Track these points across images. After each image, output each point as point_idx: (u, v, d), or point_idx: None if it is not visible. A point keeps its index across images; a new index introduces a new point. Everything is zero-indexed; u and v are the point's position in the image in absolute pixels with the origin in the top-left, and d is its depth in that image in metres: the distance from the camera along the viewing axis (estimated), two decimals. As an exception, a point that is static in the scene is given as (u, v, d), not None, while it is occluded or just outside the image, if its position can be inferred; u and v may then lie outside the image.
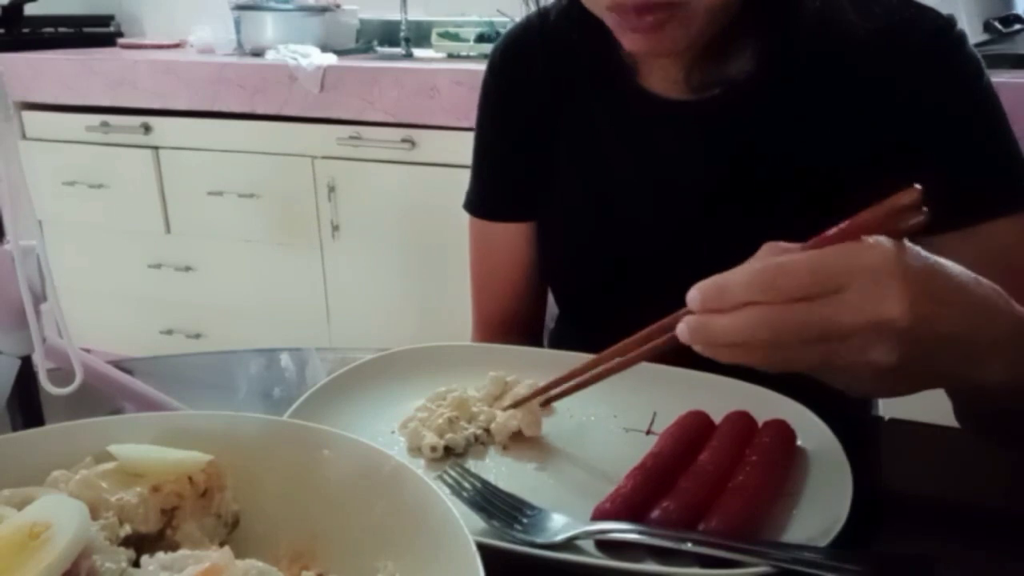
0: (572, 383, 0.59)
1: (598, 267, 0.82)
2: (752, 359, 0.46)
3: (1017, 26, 1.69)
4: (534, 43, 0.84)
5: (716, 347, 0.46)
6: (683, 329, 0.46)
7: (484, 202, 0.90)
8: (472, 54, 2.13)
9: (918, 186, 0.44)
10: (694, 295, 0.46)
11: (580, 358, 0.70)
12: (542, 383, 0.63)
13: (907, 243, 0.45)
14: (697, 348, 0.47)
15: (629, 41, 0.67)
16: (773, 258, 0.45)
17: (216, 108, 2.05)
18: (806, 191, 0.72)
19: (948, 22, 0.71)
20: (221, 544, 0.43)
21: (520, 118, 0.85)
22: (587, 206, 0.81)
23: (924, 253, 0.46)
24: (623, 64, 0.77)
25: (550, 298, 0.92)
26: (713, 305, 0.45)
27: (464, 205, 0.91)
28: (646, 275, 0.80)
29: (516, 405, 0.61)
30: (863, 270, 0.43)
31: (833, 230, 0.46)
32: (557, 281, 0.89)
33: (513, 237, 0.88)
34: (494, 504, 0.49)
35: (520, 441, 0.60)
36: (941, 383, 0.52)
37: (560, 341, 0.91)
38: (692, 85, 0.73)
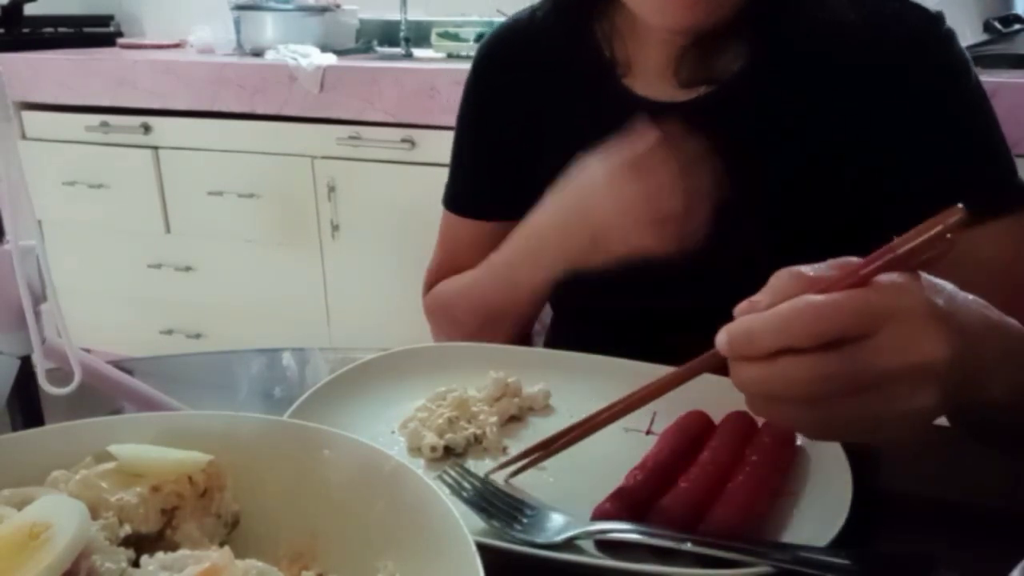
0: (576, 432, 0.54)
1: (591, 273, 0.81)
2: (794, 417, 0.44)
3: (1017, 26, 1.69)
4: (520, 43, 0.84)
5: (752, 398, 0.45)
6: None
7: (467, 198, 0.89)
8: (472, 54, 2.12)
9: (961, 205, 0.42)
10: (722, 339, 0.44)
11: (580, 359, 0.70)
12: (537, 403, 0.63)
13: (924, 276, 0.44)
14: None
15: (660, 8, 0.66)
16: (804, 298, 0.42)
17: (216, 108, 2.05)
18: (796, 186, 0.72)
19: (937, 17, 0.70)
20: (221, 544, 0.43)
21: (504, 118, 0.84)
22: None
23: (940, 283, 0.44)
24: (608, 64, 0.77)
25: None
26: (743, 353, 0.43)
27: (443, 201, 0.92)
28: (638, 274, 0.79)
29: (520, 469, 0.55)
30: (901, 312, 0.41)
31: (876, 260, 0.43)
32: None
33: (494, 235, 0.85)
34: (494, 504, 0.49)
35: (520, 440, 0.60)
36: (951, 410, 0.52)
37: (556, 343, 0.91)
38: (681, 80, 0.73)
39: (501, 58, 0.86)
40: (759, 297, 0.44)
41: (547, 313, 0.93)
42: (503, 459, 0.57)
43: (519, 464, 0.55)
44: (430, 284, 0.93)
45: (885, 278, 0.42)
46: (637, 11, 0.68)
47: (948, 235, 0.42)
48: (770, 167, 0.73)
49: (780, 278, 0.45)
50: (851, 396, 0.42)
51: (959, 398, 0.45)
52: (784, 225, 0.73)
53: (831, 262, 0.45)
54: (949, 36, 0.70)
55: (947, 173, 0.70)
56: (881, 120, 0.70)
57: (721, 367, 0.46)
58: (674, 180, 0.65)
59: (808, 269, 0.44)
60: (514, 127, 0.83)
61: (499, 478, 0.54)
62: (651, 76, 0.75)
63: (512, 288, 0.80)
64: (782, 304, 0.42)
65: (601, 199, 0.68)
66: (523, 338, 0.90)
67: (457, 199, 0.91)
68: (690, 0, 0.65)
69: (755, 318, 0.43)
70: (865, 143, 0.71)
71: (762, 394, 0.44)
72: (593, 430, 0.54)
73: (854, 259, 0.44)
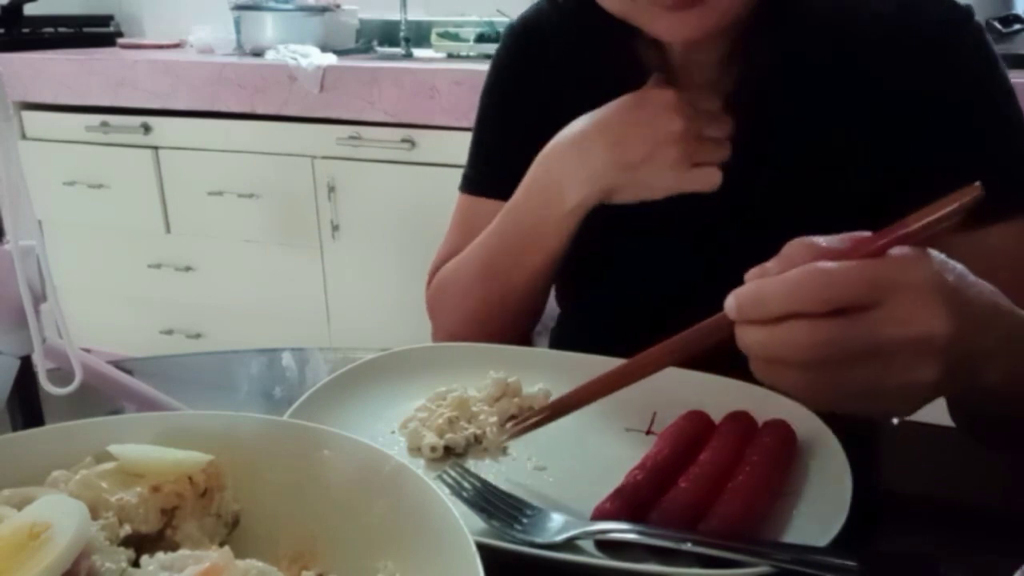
0: (587, 394, 0.55)
1: (599, 266, 0.81)
2: (796, 381, 0.44)
3: (1017, 26, 1.69)
4: (546, 30, 0.84)
5: (755, 361, 0.45)
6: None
7: (492, 175, 0.86)
8: (472, 54, 2.13)
9: (978, 184, 0.42)
10: (731, 303, 0.44)
11: (580, 359, 0.70)
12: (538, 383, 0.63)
13: (934, 252, 0.44)
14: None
15: (662, 26, 0.64)
16: (815, 264, 0.43)
17: (216, 108, 2.05)
18: (815, 183, 0.72)
19: (963, 13, 0.69)
20: (221, 544, 0.43)
21: (529, 103, 0.84)
22: None
23: (951, 263, 0.45)
24: (638, 64, 0.75)
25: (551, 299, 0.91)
26: (751, 316, 0.43)
27: (462, 186, 0.89)
28: (649, 275, 0.79)
29: (523, 430, 0.57)
30: (907, 284, 0.42)
31: (891, 234, 0.43)
32: (557, 278, 0.87)
33: None
34: (494, 504, 0.49)
35: (520, 440, 0.60)
36: (950, 391, 0.53)
37: (561, 341, 0.91)
38: (723, 88, 0.72)
39: (531, 42, 0.85)
40: (770, 264, 0.45)
41: (549, 314, 0.93)
42: (503, 459, 0.57)
43: (523, 425, 0.56)
44: (436, 271, 0.90)
45: (896, 251, 0.43)
46: (647, 30, 0.67)
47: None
48: (788, 165, 0.73)
49: (792, 247, 0.45)
50: (851, 363, 0.42)
51: (958, 377, 0.45)
52: (799, 219, 0.72)
53: (844, 235, 0.45)
54: (979, 30, 0.69)
55: (969, 170, 0.69)
56: (904, 116, 0.69)
57: (727, 334, 0.46)
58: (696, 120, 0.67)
59: (821, 240, 0.45)
60: (542, 105, 0.82)
61: (501, 439, 0.57)
62: (685, 85, 0.73)
63: (540, 216, 0.74)
64: (792, 270, 0.43)
65: (619, 123, 0.69)
66: (523, 338, 0.90)
67: (481, 179, 0.88)
68: (694, 16, 0.62)
69: (765, 282, 0.43)
70: (887, 139, 0.70)
71: (765, 357, 0.44)
72: (599, 394, 0.54)
73: (867, 233, 0.45)
